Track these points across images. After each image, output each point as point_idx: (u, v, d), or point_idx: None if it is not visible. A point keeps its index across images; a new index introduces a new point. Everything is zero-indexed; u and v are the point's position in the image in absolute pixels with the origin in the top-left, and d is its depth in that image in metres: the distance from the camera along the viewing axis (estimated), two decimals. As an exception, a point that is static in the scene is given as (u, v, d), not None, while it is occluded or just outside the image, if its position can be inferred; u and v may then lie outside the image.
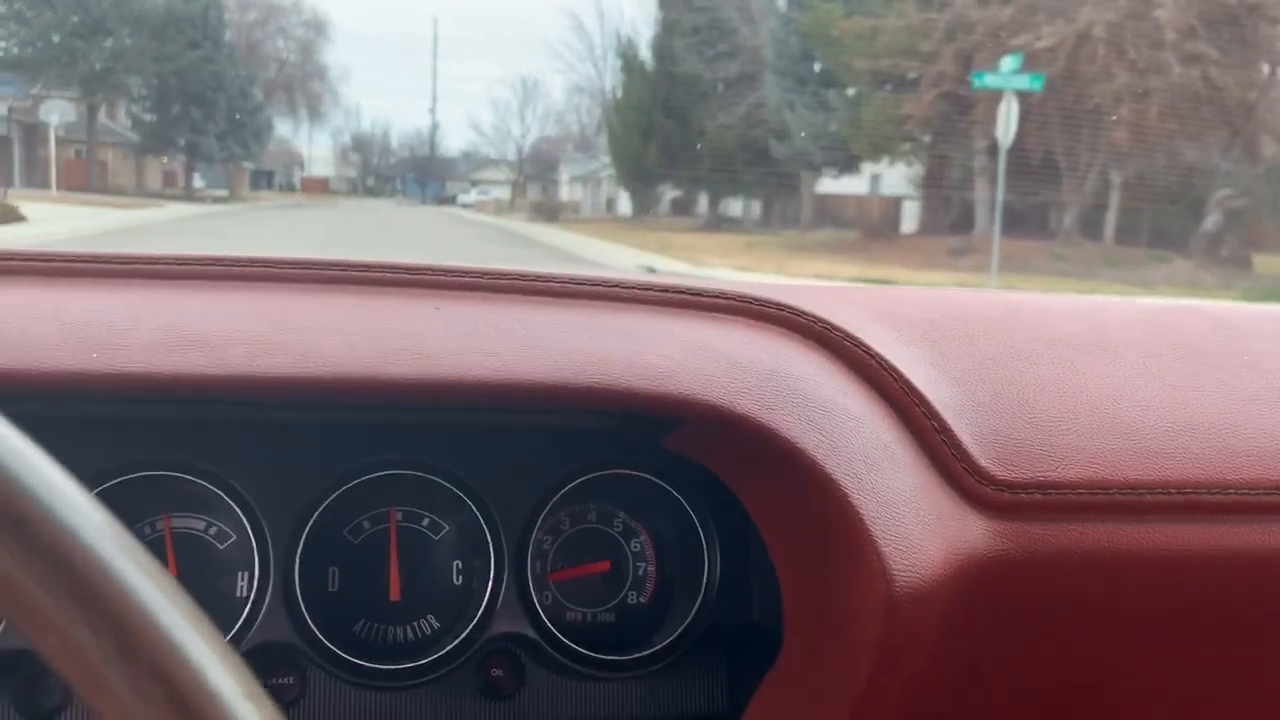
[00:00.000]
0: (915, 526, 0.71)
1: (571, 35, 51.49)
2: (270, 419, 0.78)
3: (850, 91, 21.31)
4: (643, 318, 0.79)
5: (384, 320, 0.73)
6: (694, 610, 0.87)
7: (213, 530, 0.81)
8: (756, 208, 37.51)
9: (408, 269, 0.79)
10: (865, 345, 0.79)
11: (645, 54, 33.63)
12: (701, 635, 0.88)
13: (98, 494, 0.76)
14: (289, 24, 50.68)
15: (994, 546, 0.74)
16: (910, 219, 32.70)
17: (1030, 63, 15.85)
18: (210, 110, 41.02)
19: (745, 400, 0.71)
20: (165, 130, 41.58)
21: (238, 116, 42.44)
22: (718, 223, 34.52)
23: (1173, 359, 0.88)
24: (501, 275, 0.80)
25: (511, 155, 63.20)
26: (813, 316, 0.80)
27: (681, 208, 41.41)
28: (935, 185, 21.49)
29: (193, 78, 39.59)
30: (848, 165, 22.48)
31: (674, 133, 31.71)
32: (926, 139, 19.94)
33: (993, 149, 18.99)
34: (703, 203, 38.50)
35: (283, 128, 56.50)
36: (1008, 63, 15.48)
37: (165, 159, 45.11)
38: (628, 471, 0.87)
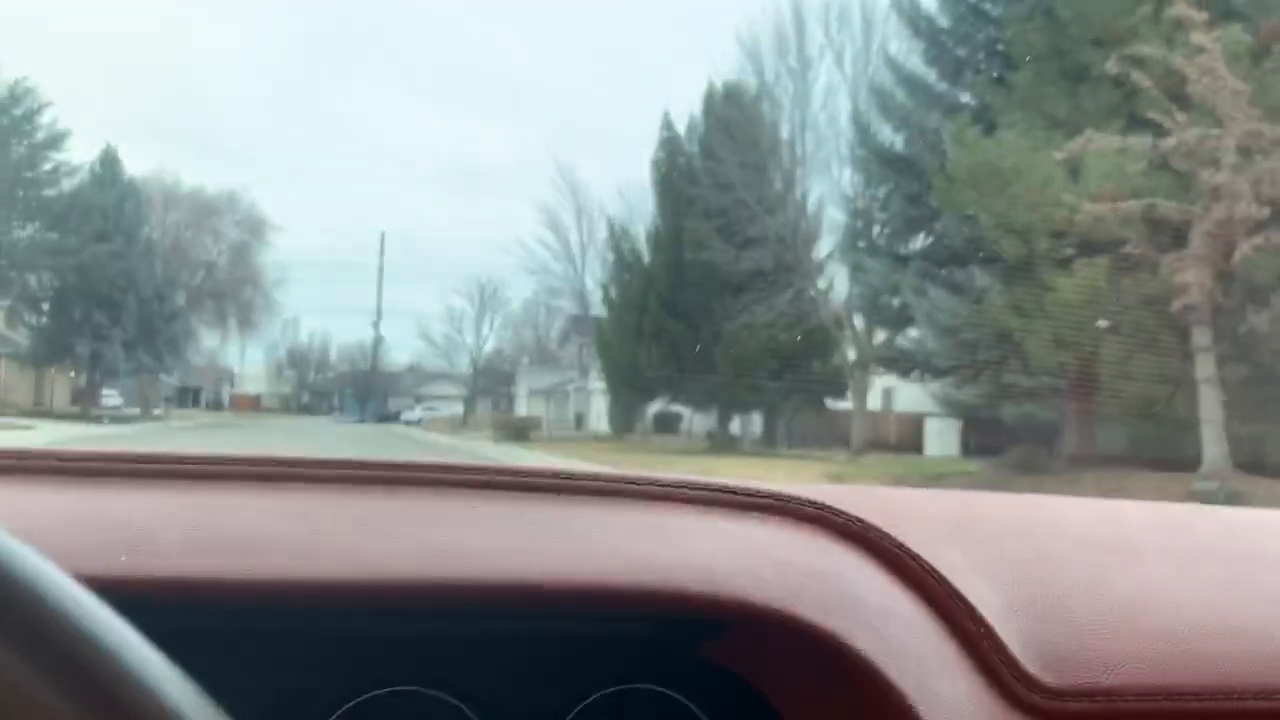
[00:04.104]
0: None
1: (547, 231, 46.44)
2: (287, 626, 0.73)
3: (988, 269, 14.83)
4: (683, 516, 0.78)
5: (424, 523, 0.73)
6: None
7: None
8: (756, 424, 31.06)
9: (444, 469, 0.80)
10: (905, 546, 0.78)
11: (644, 246, 27.35)
12: None
13: None
14: (222, 224, 44.60)
15: None
16: (940, 440, 26.73)
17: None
18: (116, 314, 34.07)
19: (800, 603, 0.69)
20: (62, 336, 34.13)
21: (154, 323, 35.16)
22: (727, 441, 27.44)
23: (1195, 559, 0.89)
24: (538, 474, 0.81)
25: (463, 367, 57.20)
26: (850, 516, 0.80)
27: (666, 425, 34.90)
28: (1089, 392, 14.86)
29: (97, 275, 32.68)
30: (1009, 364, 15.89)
31: (681, 337, 24.96)
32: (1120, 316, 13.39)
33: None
34: (693, 420, 31.86)
35: (211, 340, 49.68)
36: None
37: (74, 372, 37.55)
38: (648, 687, 0.82)
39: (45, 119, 32.02)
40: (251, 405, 61.46)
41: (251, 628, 0.73)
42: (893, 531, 0.78)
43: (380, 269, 66.32)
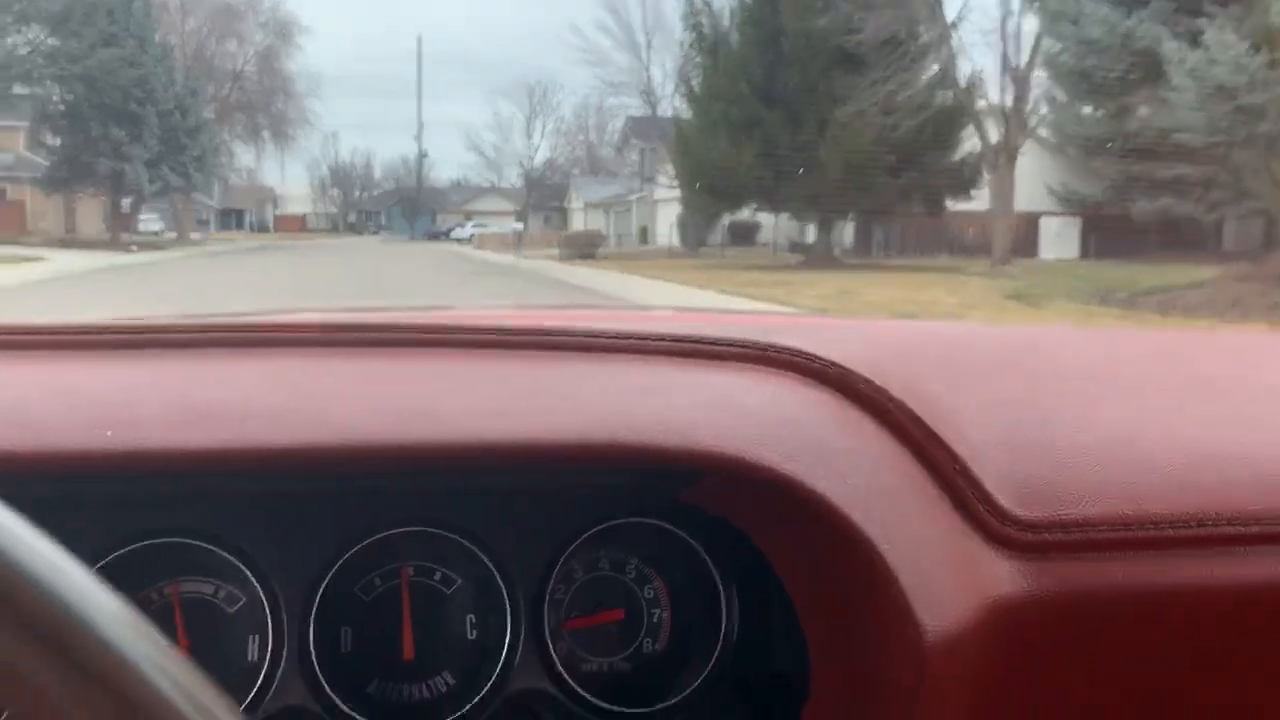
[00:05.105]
0: (941, 572, 0.71)
1: (605, 15, 41.48)
2: (281, 485, 0.77)
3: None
4: (657, 369, 0.80)
5: (401, 384, 0.75)
6: (713, 659, 0.87)
7: (222, 594, 0.80)
8: (846, 233, 27.30)
9: (423, 328, 0.81)
10: (880, 388, 0.78)
11: (728, 22, 22.79)
12: (723, 685, 0.87)
13: (103, 564, 0.77)
14: (245, 28, 40.25)
15: (1021, 588, 0.73)
16: (1058, 241, 22.98)
17: None
18: (136, 129, 30.25)
19: (767, 451, 0.71)
20: (79, 156, 30.62)
21: (178, 137, 31.42)
22: (824, 252, 23.56)
23: (1186, 390, 0.89)
24: (516, 332, 0.83)
25: (514, 180, 53.38)
26: (826, 360, 0.81)
27: (742, 235, 31.09)
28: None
29: (109, 85, 28.82)
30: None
31: (779, 129, 20.80)
32: None
33: None
34: (776, 229, 28.07)
35: (247, 157, 46.09)
36: None
37: (104, 196, 34.32)
38: (642, 519, 0.86)
39: (30, -97, 27.65)
40: (297, 226, 58.69)
41: (246, 487, 0.75)
42: (872, 373, 0.78)
43: (419, 77, 61.64)
